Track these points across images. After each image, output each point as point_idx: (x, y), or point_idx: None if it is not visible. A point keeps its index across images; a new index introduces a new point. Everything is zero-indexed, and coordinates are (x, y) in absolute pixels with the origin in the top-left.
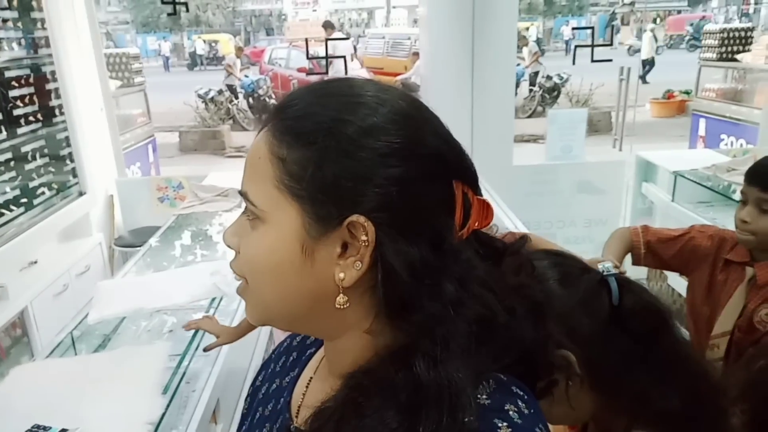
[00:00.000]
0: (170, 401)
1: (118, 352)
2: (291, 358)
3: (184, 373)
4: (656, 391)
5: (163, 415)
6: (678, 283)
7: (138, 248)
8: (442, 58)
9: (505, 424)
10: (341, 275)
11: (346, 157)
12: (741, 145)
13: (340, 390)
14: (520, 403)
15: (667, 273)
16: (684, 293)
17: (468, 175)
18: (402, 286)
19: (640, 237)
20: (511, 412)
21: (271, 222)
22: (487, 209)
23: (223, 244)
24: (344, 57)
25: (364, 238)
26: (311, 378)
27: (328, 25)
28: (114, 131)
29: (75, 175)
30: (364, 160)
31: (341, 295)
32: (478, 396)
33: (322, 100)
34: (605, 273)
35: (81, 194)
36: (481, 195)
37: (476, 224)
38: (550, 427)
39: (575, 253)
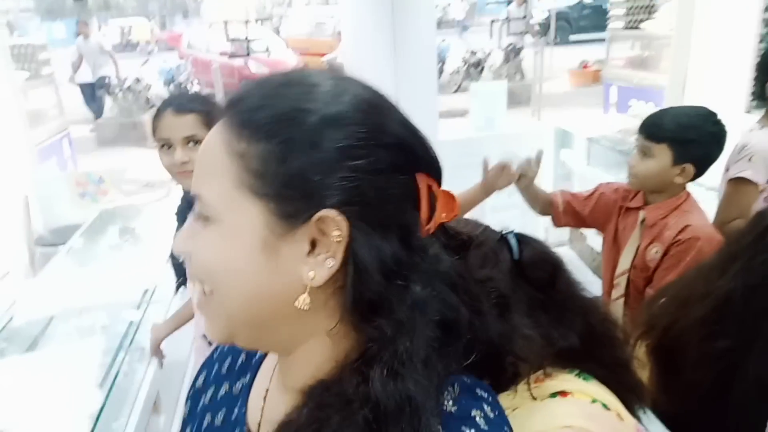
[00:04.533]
0: (108, 394)
1: (48, 352)
2: (240, 360)
3: (119, 368)
4: (557, 330)
5: (102, 407)
6: (597, 242)
7: (61, 247)
8: (363, 35)
9: (472, 430)
10: (311, 274)
11: (311, 148)
12: (650, 108)
13: (303, 405)
14: (485, 407)
15: (586, 233)
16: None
17: (433, 167)
18: (373, 286)
19: (558, 197)
20: (477, 418)
21: (227, 222)
22: (452, 201)
23: (148, 237)
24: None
25: (336, 233)
26: (267, 390)
27: None
28: (23, 126)
29: None
30: (330, 150)
31: (304, 295)
32: (444, 403)
33: (279, 90)
34: (504, 232)
35: None
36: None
37: (443, 217)
38: None
39: (503, 219)
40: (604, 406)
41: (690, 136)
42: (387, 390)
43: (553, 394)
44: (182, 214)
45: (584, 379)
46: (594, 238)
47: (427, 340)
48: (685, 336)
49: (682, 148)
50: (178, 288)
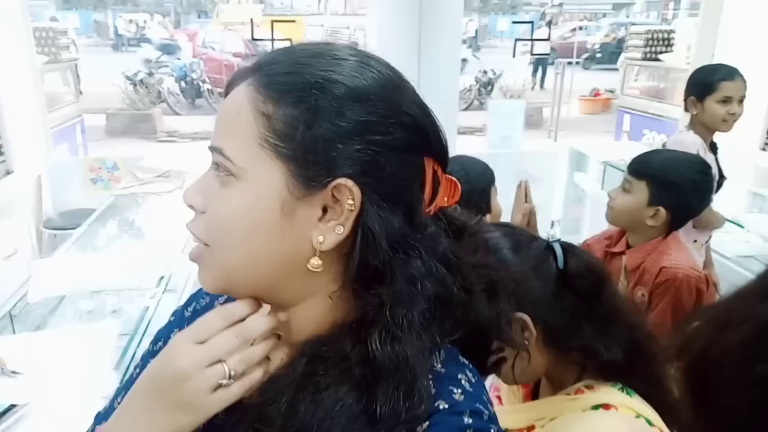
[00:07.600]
0: (123, 377)
1: (64, 331)
2: None
3: (135, 352)
4: (601, 342)
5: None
6: None
7: (69, 231)
8: (388, 47)
9: (458, 390)
10: (320, 238)
11: (337, 118)
12: (663, 139)
13: (297, 359)
14: (468, 373)
15: None
16: None
17: (441, 152)
18: (379, 255)
19: None
20: (463, 381)
21: (248, 179)
22: (454, 188)
23: (164, 226)
24: (290, 40)
25: (350, 202)
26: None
27: None
28: (42, 109)
29: (1, 153)
30: (353, 122)
31: (316, 257)
32: (434, 365)
33: (308, 60)
34: (550, 240)
35: (8, 173)
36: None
37: (444, 201)
38: (506, 387)
39: None
40: (648, 422)
41: (670, 179)
42: (385, 350)
43: (596, 407)
44: None
45: (628, 393)
46: None
47: (421, 311)
48: (722, 360)
49: (659, 189)
50: None
